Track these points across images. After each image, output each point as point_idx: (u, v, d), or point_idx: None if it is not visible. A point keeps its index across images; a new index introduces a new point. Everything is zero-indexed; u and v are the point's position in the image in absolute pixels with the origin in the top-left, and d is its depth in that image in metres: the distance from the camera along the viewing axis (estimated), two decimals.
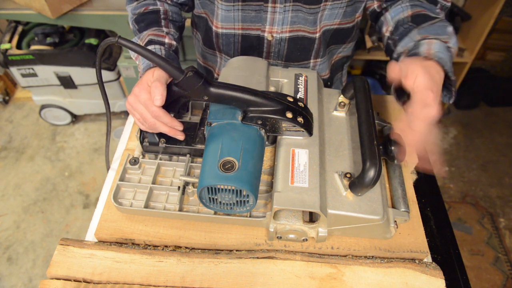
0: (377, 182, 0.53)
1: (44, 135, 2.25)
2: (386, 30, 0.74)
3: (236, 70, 0.71)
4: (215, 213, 0.62)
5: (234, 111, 0.62)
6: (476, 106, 2.43)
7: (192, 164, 0.68)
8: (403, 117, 0.55)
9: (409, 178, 0.71)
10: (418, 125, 0.53)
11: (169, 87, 0.60)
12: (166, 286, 0.58)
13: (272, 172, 0.63)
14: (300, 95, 0.69)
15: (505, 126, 2.33)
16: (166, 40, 0.72)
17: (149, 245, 0.63)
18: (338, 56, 0.91)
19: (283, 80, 0.72)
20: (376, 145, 0.54)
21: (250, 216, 0.62)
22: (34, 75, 1.93)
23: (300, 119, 0.60)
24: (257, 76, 0.69)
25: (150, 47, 0.69)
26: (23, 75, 1.92)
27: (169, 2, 0.79)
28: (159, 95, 0.57)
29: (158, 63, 0.56)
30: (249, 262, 0.59)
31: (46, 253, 1.74)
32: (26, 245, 1.77)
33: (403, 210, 0.61)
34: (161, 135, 0.67)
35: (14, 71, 1.89)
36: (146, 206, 0.64)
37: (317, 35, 0.78)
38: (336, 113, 0.69)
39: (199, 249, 0.63)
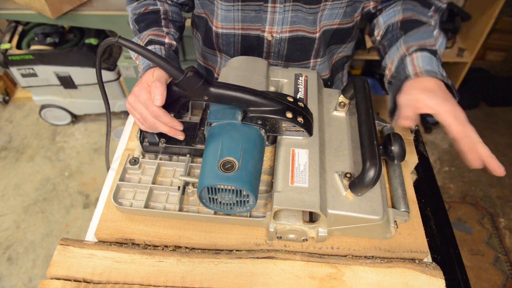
0: (377, 182, 0.53)
1: (44, 135, 2.25)
2: (378, 34, 0.76)
3: (236, 70, 0.71)
4: (215, 213, 0.62)
5: (234, 111, 0.62)
6: (476, 106, 2.43)
7: (192, 164, 0.68)
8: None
9: (409, 178, 0.71)
10: (466, 129, 0.55)
11: (169, 87, 0.60)
12: (166, 286, 0.58)
13: (272, 172, 0.63)
14: (300, 95, 0.69)
15: (505, 126, 2.33)
16: (166, 40, 0.72)
17: (149, 245, 0.63)
18: (338, 56, 0.91)
19: (283, 80, 0.72)
20: (376, 145, 0.54)
21: (250, 216, 0.62)
22: (34, 75, 1.93)
23: (300, 119, 0.60)
24: (257, 76, 0.69)
25: (150, 47, 0.69)
26: (23, 75, 1.92)
27: (169, 2, 0.79)
28: (159, 95, 0.57)
29: (158, 63, 0.56)
30: (249, 262, 0.59)
31: (46, 253, 1.74)
32: (26, 245, 1.77)
33: (403, 210, 0.61)
34: (161, 135, 0.67)
35: (14, 71, 1.89)
36: (146, 206, 0.64)
37: (317, 35, 0.78)
38: (336, 113, 0.69)
39: (199, 249, 0.63)
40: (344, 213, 0.56)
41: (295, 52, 0.81)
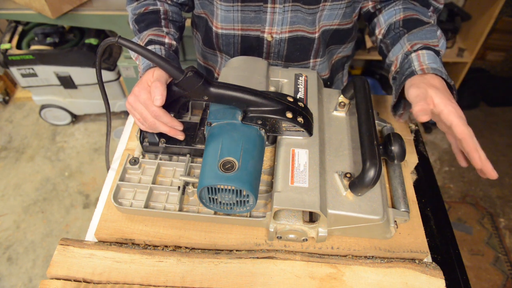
0: (377, 182, 0.53)
1: (44, 135, 2.25)
2: (379, 33, 0.76)
3: (236, 70, 0.71)
4: (215, 213, 0.62)
5: (234, 111, 0.62)
6: (476, 106, 2.43)
7: (192, 164, 0.68)
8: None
9: (409, 178, 0.71)
10: (463, 126, 0.56)
11: (169, 87, 0.60)
12: (166, 286, 0.58)
13: (272, 172, 0.63)
14: (300, 95, 0.69)
15: (505, 126, 2.33)
16: (166, 40, 0.72)
17: (149, 245, 0.63)
18: (338, 56, 0.91)
19: (283, 80, 0.72)
20: (376, 145, 0.54)
21: (250, 216, 0.62)
22: (34, 75, 1.93)
23: (300, 119, 0.60)
24: (257, 76, 0.69)
25: (150, 47, 0.69)
26: (23, 75, 1.92)
27: (169, 2, 0.79)
28: (159, 95, 0.57)
29: (158, 63, 0.56)
30: (249, 262, 0.59)
31: (46, 253, 1.74)
32: (26, 245, 1.77)
33: (403, 210, 0.61)
34: (161, 135, 0.67)
35: (14, 71, 1.89)
36: (146, 206, 0.64)
37: (317, 35, 0.78)
38: (336, 113, 0.69)
39: (199, 249, 0.63)
40: (344, 213, 0.56)
41: (295, 52, 0.81)
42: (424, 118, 0.56)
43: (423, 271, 0.59)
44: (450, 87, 0.63)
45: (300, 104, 0.63)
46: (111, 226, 0.64)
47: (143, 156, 0.70)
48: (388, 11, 0.75)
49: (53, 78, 1.95)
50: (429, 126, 2.30)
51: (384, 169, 0.68)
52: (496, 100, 2.43)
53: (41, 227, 1.83)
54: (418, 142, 0.86)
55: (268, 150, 0.67)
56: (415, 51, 0.65)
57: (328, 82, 0.93)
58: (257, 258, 0.60)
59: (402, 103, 0.71)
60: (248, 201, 0.56)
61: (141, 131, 0.67)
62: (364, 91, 0.62)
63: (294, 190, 0.56)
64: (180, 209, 0.63)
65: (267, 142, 0.66)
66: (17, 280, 1.65)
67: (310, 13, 0.74)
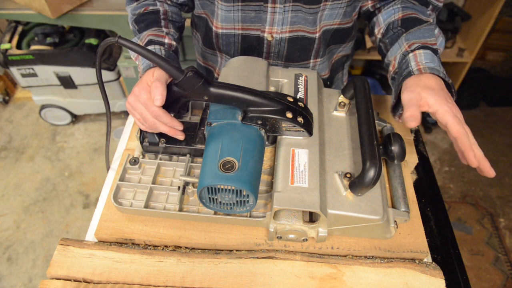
0: (377, 182, 0.53)
1: (44, 135, 2.25)
2: (378, 32, 0.76)
3: (236, 70, 0.71)
4: (215, 213, 0.62)
5: (234, 111, 0.62)
6: (476, 106, 2.43)
7: (192, 164, 0.68)
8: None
9: (409, 178, 0.71)
10: (465, 128, 0.57)
11: (169, 87, 0.60)
12: (166, 286, 0.58)
13: (272, 172, 0.62)
14: (300, 95, 0.69)
15: (505, 126, 2.33)
16: (166, 40, 0.72)
17: (149, 245, 0.63)
18: (338, 55, 0.91)
19: (283, 80, 0.72)
20: (376, 145, 0.54)
21: (250, 216, 0.62)
22: (34, 75, 1.93)
23: (300, 119, 0.60)
24: (257, 76, 0.69)
25: (150, 47, 0.69)
26: (23, 75, 1.92)
27: (168, 2, 0.79)
28: (159, 95, 0.57)
29: (158, 63, 0.56)
30: (249, 262, 0.59)
31: (46, 253, 1.74)
32: (26, 245, 1.77)
33: (403, 210, 0.61)
34: (161, 135, 0.67)
35: (14, 71, 1.89)
36: (146, 206, 0.63)
37: (317, 35, 0.78)
38: (336, 113, 0.69)
39: (199, 249, 0.63)
40: (344, 213, 0.56)
41: (295, 52, 0.81)
42: (412, 124, 0.57)
43: (423, 271, 0.59)
44: (448, 85, 0.63)
45: (300, 104, 0.63)
46: (111, 226, 0.64)
47: (143, 156, 0.70)
48: (387, 10, 0.75)
49: (53, 78, 1.95)
50: (429, 126, 2.30)
51: (384, 169, 0.68)
52: (496, 100, 2.43)
53: (41, 227, 1.83)
54: (418, 142, 0.86)
55: (268, 150, 0.67)
56: (412, 50, 0.66)
57: (328, 82, 0.93)
58: (257, 258, 0.60)
59: (401, 104, 0.70)
60: (248, 201, 0.56)
61: (141, 131, 0.67)
62: (364, 91, 0.62)
63: (294, 190, 0.56)
64: (180, 209, 0.63)
65: (267, 142, 0.66)
66: (17, 280, 1.65)
67: (311, 13, 0.73)
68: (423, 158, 0.82)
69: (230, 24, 0.77)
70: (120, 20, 1.64)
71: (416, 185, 0.76)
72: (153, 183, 0.66)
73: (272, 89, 0.73)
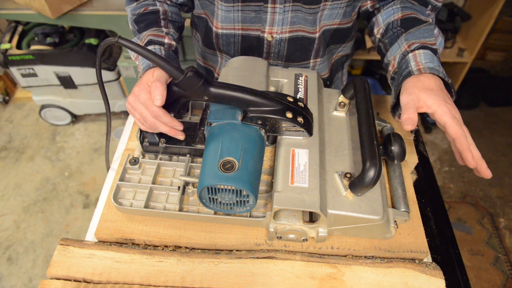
0: (377, 182, 0.53)
1: (44, 135, 2.25)
2: (377, 32, 0.77)
3: (236, 70, 0.71)
4: (215, 213, 0.62)
5: (234, 111, 0.62)
6: (476, 106, 2.43)
7: (192, 164, 0.68)
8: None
9: (409, 178, 0.71)
10: (463, 129, 0.57)
11: (169, 87, 0.60)
12: (166, 286, 0.58)
13: (272, 172, 0.62)
14: (300, 95, 0.69)
15: (505, 126, 2.33)
16: (166, 41, 0.72)
17: (149, 245, 0.63)
18: (337, 55, 0.91)
19: (283, 80, 0.72)
20: (376, 145, 0.54)
21: (250, 216, 0.62)
22: (34, 75, 1.93)
23: (300, 119, 0.60)
24: (257, 76, 0.69)
25: (149, 47, 0.69)
26: (23, 75, 1.92)
27: (168, 2, 0.79)
28: (159, 95, 0.57)
29: (158, 63, 0.56)
30: (249, 262, 0.59)
31: (46, 253, 1.74)
32: (26, 245, 1.77)
33: (403, 210, 0.61)
34: (161, 135, 0.67)
35: (14, 71, 1.89)
36: (146, 206, 0.63)
37: (317, 35, 0.78)
38: (336, 113, 0.69)
39: (199, 249, 0.63)
40: (344, 213, 0.56)
41: (295, 52, 0.81)
42: (409, 128, 0.57)
43: (423, 271, 0.59)
44: (448, 85, 0.63)
45: (300, 104, 0.63)
46: (111, 226, 0.64)
47: (143, 156, 0.70)
48: (387, 10, 0.75)
49: (53, 78, 1.95)
50: (429, 126, 2.30)
51: (384, 169, 0.68)
52: (496, 100, 2.43)
53: (41, 227, 1.83)
54: (418, 142, 0.86)
55: (268, 150, 0.67)
56: (412, 50, 0.66)
57: (327, 82, 0.93)
58: (257, 258, 0.60)
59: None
60: (248, 201, 0.56)
61: (141, 131, 0.67)
62: (364, 91, 0.62)
63: (294, 190, 0.56)
64: (180, 209, 0.63)
65: (267, 142, 0.66)
66: (17, 280, 1.65)
67: (311, 13, 0.74)
68: (423, 158, 0.82)
69: (230, 25, 0.77)
70: (120, 20, 1.64)
71: (416, 185, 0.76)
72: (153, 183, 0.66)
73: (272, 89, 0.73)
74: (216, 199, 0.57)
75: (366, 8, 0.79)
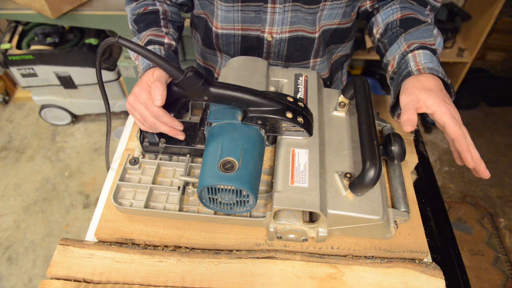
0: (377, 182, 0.53)
1: (44, 135, 2.25)
2: (377, 32, 0.77)
3: (236, 70, 0.71)
4: (215, 213, 0.62)
5: (234, 111, 0.62)
6: (476, 106, 2.43)
7: (192, 164, 0.68)
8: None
9: (409, 178, 0.71)
10: (462, 129, 0.57)
11: (169, 87, 0.60)
12: (166, 286, 0.58)
13: (272, 172, 0.62)
14: (300, 95, 0.69)
15: (505, 126, 2.33)
16: (166, 40, 0.72)
17: (149, 245, 0.63)
18: (337, 55, 0.91)
19: (283, 80, 0.72)
20: (376, 145, 0.54)
21: (250, 216, 0.62)
22: (34, 75, 1.93)
23: (300, 119, 0.60)
24: (257, 76, 0.69)
25: (149, 47, 0.69)
26: (23, 75, 1.92)
27: (168, 2, 0.79)
28: (159, 95, 0.57)
29: (158, 63, 0.56)
30: (249, 262, 0.59)
31: (46, 253, 1.74)
32: (26, 245, 1.77)
33: (403, 210, 0.61)
34: (161, 135, 0.67)
35: (14, 71, 1.89)
36: (146, 206, 0.63)
37: (317, 35, 0.78)
38: (336, 113, 0.69)
39: (199, 249, 0.63)
40: (344, 213, 0.56)
41: (295, 52, 0.81)
42: (408, 129, 0.57)
43: (423, 271, 0.59)
44: (447, 85, 0.63)
45: (300, 104, 0.63)
46: (111, 226, 0.64)
47: (143, 156, 0.70)
48: (386, 10, 0.75)
49: (53, 78, 1.95)
50: (429, 126, 2.30)
51: (384, 169, 0.68)
52: (496, 100, 2.43)
53: (41, 227, 1.83)
54: (418, 142, 0.86)
55: (268, 150, 0.67)
56: (411, 51, 0.66)
57: (327, 82, 0.93)
58: (257, 258, 0.60)
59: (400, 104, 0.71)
60: (248, 201, 0.56)
61: (141, 131, 0.67)
62: (364, 91, 0.62)
63: (294, 190, 0.56)
64: (180, 209, 0.63)
65: (267, 142, 0.66)
66: (17, 280, 1.65)
67: (310, 13, 0.74)
68: (423, 158, 0.82)
69: (230, 25, 0.77)
70: (120, 20, 1.64)
71: (416, 185, 0.76)
72: (153, 183, 0.66)
73: (272, 89, 0.73)
74: (216, 199, 0.57)
75: (366, 8, 0.79)
